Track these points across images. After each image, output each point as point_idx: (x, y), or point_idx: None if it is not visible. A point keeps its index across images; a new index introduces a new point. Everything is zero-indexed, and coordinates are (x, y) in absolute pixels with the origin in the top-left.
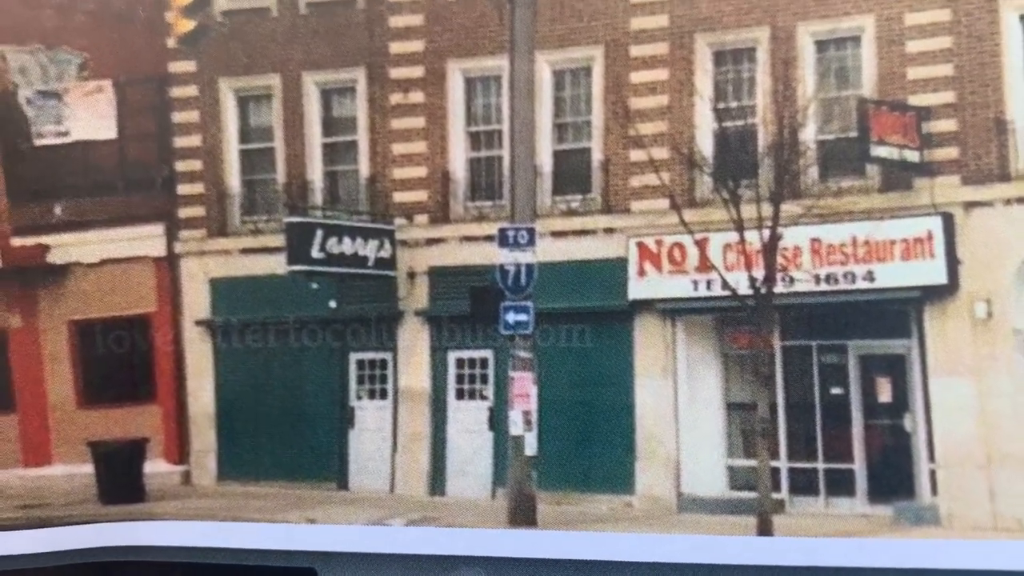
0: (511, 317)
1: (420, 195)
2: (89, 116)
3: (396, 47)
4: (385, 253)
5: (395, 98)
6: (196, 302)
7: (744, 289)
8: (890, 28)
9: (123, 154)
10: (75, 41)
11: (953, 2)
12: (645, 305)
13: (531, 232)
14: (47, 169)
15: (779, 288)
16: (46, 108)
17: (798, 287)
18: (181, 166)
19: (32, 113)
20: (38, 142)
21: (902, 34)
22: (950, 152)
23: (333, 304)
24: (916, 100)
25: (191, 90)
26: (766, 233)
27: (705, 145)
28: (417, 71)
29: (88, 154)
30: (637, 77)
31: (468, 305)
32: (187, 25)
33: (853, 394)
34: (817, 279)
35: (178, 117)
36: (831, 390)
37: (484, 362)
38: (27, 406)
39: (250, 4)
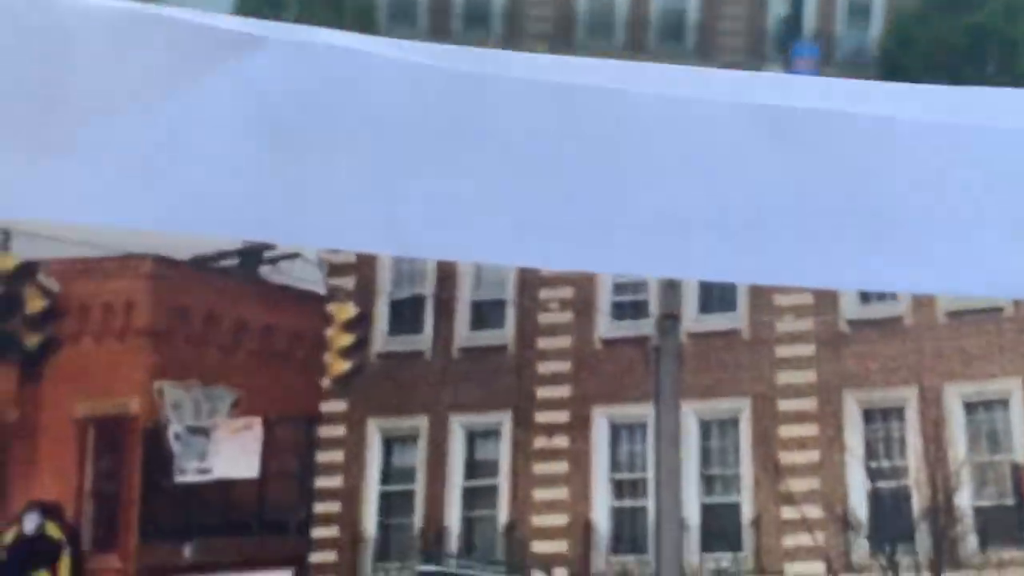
0: None
1: (559, 545)
2: (234, 453)
3: (543, 392)
4: None
5: (539, 442)
6: None
7: None
8: None
9: (262, 494)
10: (232, 379)
11: None
12: None
13: None
14: (183, 507)
15: None
16: (192, 444)
17: None
18: (319, 508)
19: (178, 449)
20: (179, 479)
21: None
22: None
23: None
24: None
25: (339, 430)
26: None
27: (859, 505)
28: (563, 416)
29: (227, 493)
30: (786, 431)
31: None
32: (343, 366)
33: None
34: None
35: (322, 457)
36: None
37: None
38: None
39: (405, 347)
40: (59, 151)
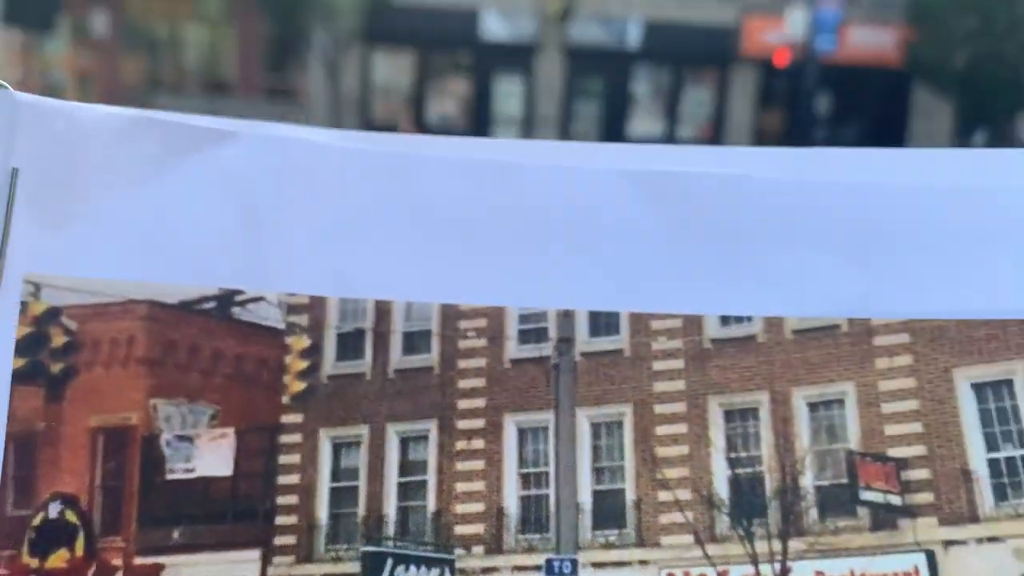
0: None
1: (477, 528)
2: (212, 456)
3: (463, 403)
4: None
5: (460, 444)
6: None
7: None
8: (867, 392)
9: (235, 489)
10: (211, 397)
11: (916, 372)
12: None
13: (574, 563)
14: (172, 500)
15: None
16: (180, 449)
17: None
18: (281, 500)
19: (169, 453)
20: (168, 477)
21: (878, 397)
22: (927, 496)
23: None
24: (894, 452)
25: (296, 437)
26: (777, 566)
27: (721, 488)
28: (479, 422)
29: (207, 488)
30: (661, 430)
31: None
32: (299, 386)
33: None
34: None
35: (283, 459)
36: None
37: None
38: None
39: (349, 370)
40: (77, 221)
